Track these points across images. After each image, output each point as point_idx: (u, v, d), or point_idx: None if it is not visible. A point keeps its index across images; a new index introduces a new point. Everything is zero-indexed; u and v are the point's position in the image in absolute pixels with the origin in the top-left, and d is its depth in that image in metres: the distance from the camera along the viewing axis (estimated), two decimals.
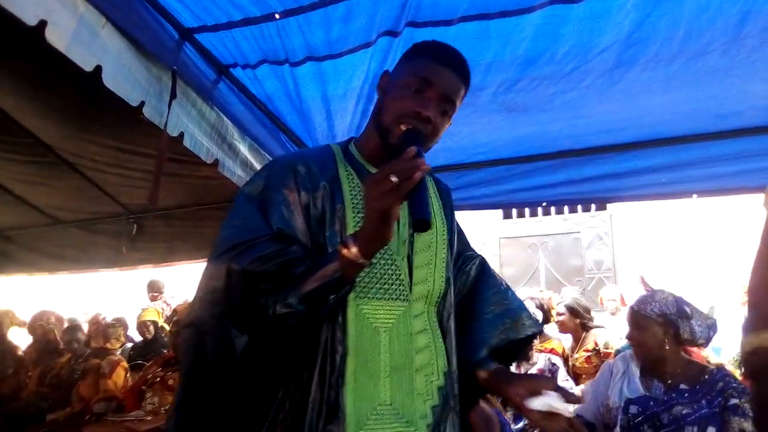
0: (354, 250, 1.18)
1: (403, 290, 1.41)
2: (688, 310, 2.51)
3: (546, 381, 1.44)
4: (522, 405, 1.36)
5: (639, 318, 2.56)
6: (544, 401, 1.33)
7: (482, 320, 1.63)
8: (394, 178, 1.09)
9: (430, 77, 1.37)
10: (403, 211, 1.46)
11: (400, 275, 1.41)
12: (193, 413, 1.36)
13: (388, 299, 1.39)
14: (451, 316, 1.55)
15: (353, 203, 1.40)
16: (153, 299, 7.24)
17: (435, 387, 1.41)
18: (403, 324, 1.40)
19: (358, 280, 1.32)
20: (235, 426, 1.34)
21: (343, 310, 1.33)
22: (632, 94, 2.62)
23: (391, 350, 1.36)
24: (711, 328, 2.51)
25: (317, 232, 1.37)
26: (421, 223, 1.11)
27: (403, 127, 1.33)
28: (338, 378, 1.29)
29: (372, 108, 1.52)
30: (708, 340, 2.52)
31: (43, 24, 1.64)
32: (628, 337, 2.66)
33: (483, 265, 1.75)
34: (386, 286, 1.39)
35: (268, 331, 1.28)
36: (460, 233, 1.73)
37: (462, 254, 1.73)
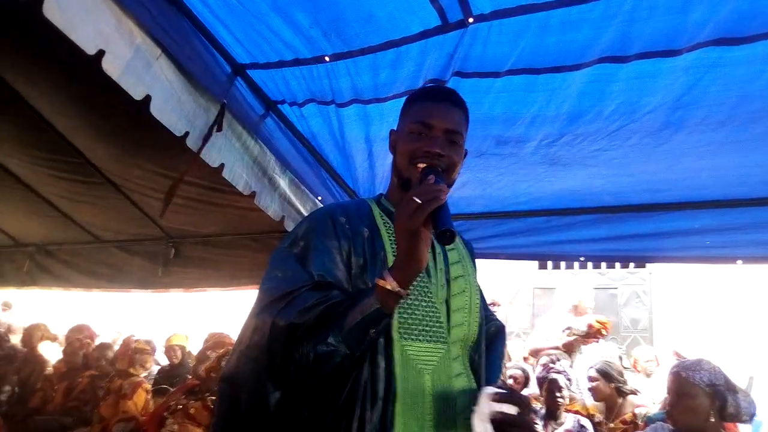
0: (390, 280, 1.22)
1: (442, 333, 1.44)
2: (734, 383, 2.41)
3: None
4: None
5: (686, 385, 2.43)
6: None
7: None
8: (417, 200, 1.17)
9: (428, 119, 1.45)
10: (438, 257, 1.53)
11: (439, 317, 1.44)
12: None
13: (429, 341, 1.41)
14: (482, 359, 1.58)
15: (393, 249, 1.43)
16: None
17: None
18: (443, 366, 1.42)
19: (401, 321, 1.36)
20: None
21: (389, 351, 1.35)
22: (678, 156, 2.57)
23: (434, 393, 1.38)
24: (751, 404, 2.39)
25: (359, 278, 1.39)
26: (446, 233, 1.16)
27: (420, 166, 1.40)
28: (386, 422, 1.30)
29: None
30: (751, 417, 2.40)
31: (101, 53, 1.70)
32: (670, 404, 2.52)
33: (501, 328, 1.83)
34: (427, 328, 1.41)
35: (309, 378, 1.28)
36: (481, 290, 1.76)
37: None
